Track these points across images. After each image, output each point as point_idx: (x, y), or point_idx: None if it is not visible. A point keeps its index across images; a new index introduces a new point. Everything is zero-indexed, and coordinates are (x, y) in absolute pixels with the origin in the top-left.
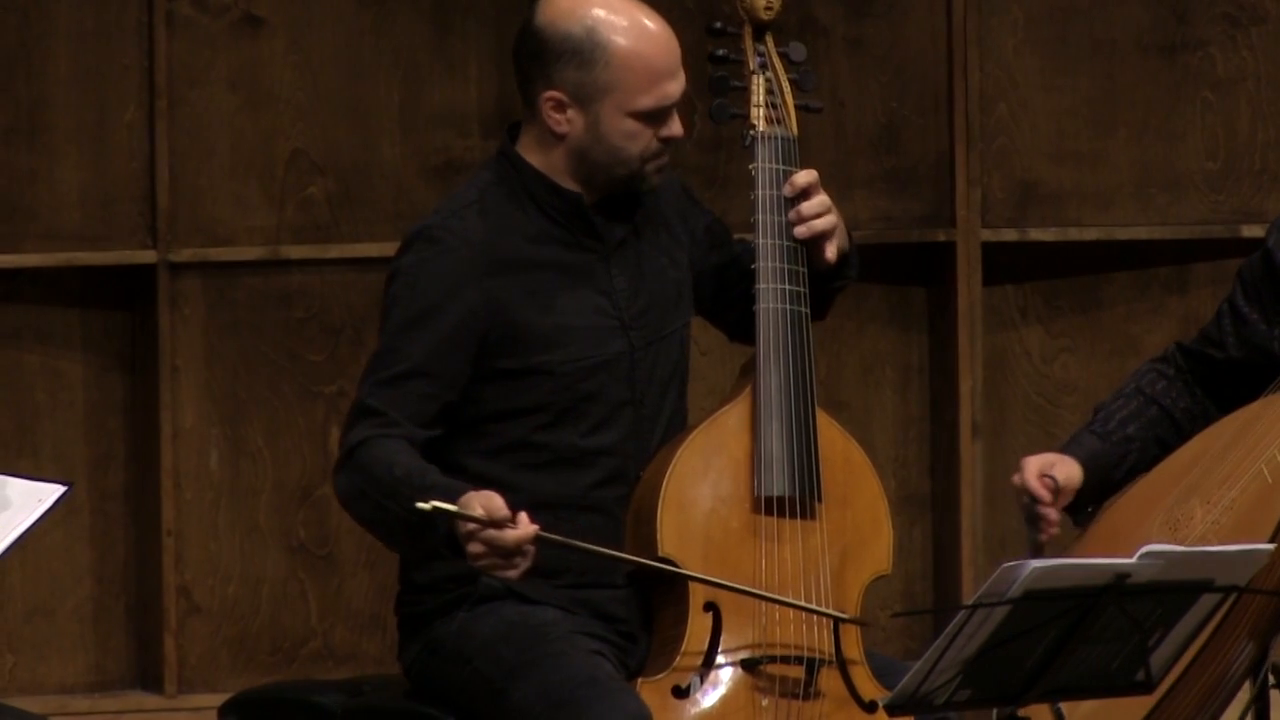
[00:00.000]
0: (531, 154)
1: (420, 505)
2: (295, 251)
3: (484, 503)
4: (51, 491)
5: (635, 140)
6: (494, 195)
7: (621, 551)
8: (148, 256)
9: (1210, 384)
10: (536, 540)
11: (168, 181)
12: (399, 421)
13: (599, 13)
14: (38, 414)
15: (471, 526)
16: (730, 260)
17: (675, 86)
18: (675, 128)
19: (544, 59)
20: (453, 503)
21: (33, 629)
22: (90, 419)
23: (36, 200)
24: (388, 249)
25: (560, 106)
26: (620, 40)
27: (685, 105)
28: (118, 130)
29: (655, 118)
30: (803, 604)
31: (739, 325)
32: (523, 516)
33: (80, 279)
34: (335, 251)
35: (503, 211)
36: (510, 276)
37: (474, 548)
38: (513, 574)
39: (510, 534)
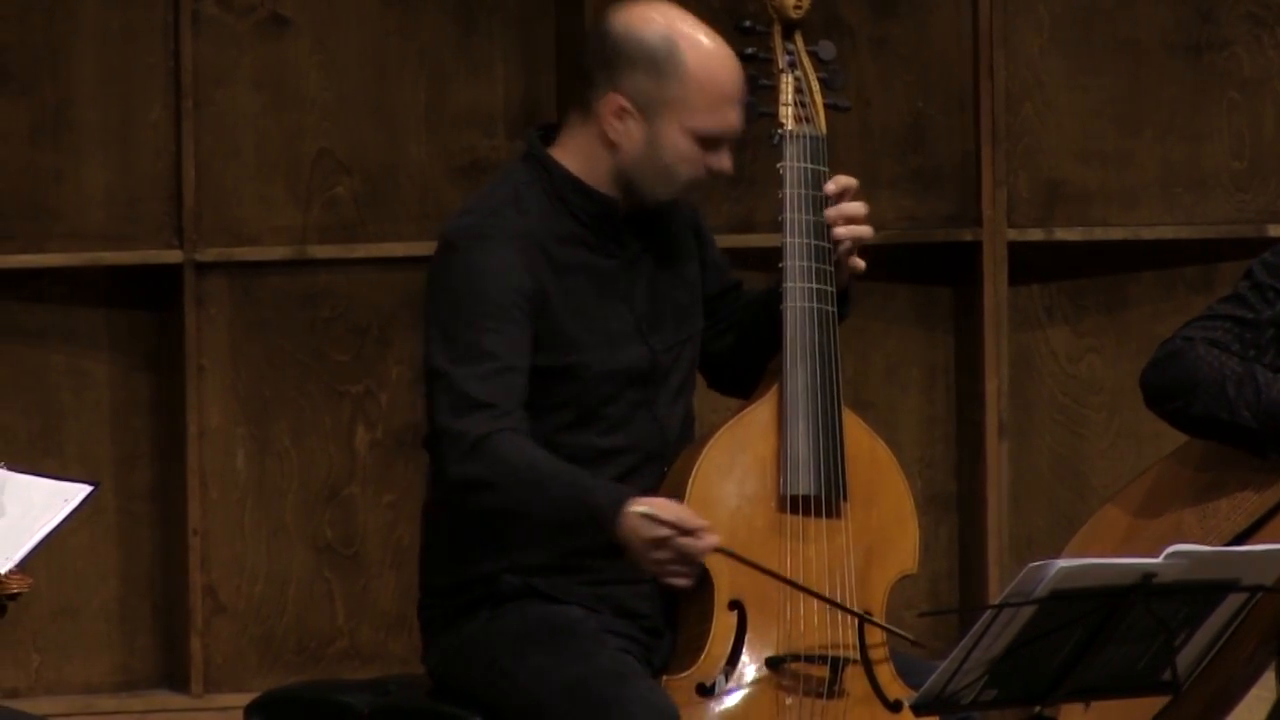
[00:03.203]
0: (569, 158)
1: (636, 509)
2: (321, 251)
3: (674, 508)
4: (77, 491)
5: (688, 164)
6: (528, 194)
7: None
8: (173, 256)
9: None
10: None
11: (193, 181)
12: (510, 410)
13: (679, 27)
14: (63, 414)
15: (665, 532)
16: (726, 291)
17: (737, 116)
18: (726, 161)
19: (616, 64)
20: (620, 502)
21: (59, 629)
22: (116, 419)
23: (62, 200)
24: (414, 248)
25: (621, 114)
26: (696, 58)
27: None
28: (143, 130)
29: (712, 143)
30: (898, 630)
31: (719, 367)
32: (708, 525)
33: (106, 278)
34: (361, 251)
35: (539, 211)
36: (549, 274)
37: (661, 553)
38: (685, 582)
39: (702, 543)
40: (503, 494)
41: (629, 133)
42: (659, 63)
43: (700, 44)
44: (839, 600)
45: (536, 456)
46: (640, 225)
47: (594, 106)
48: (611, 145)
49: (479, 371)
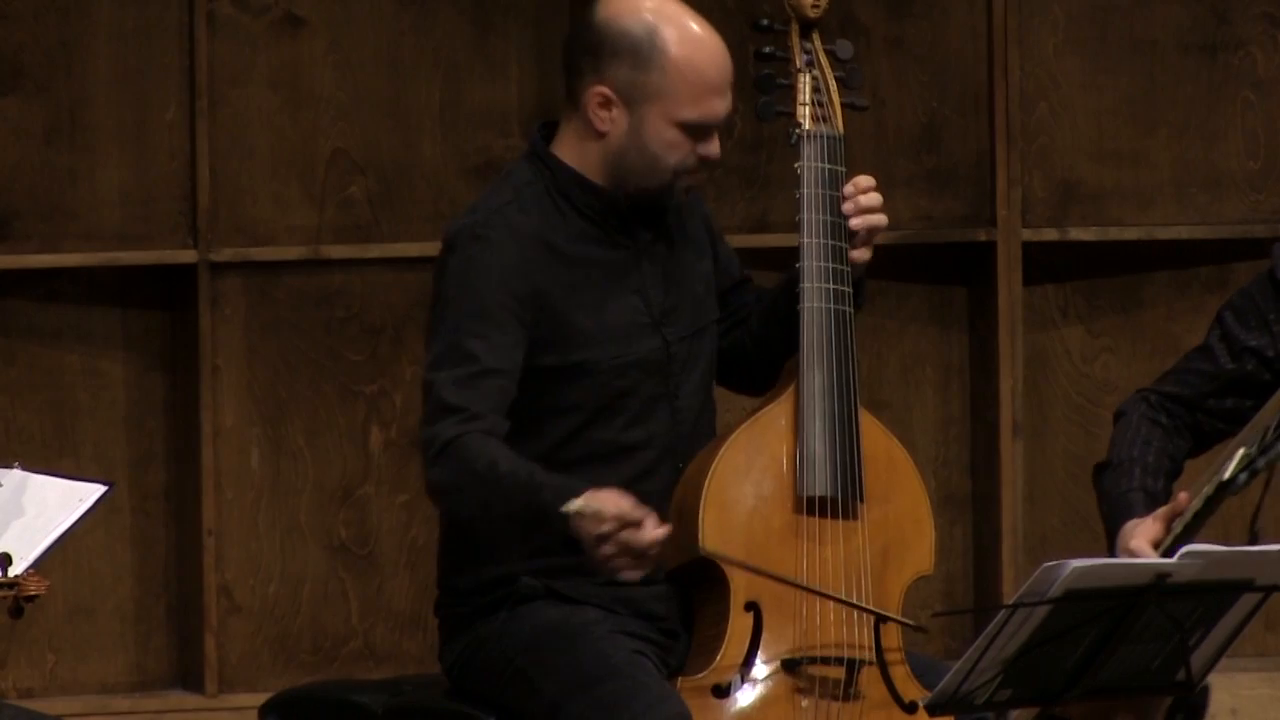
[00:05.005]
0: (567, 152)
1: (568, 508)
2: (336, 251)
3: (615, 502)
4: (92, 491)
5: (674, 151)
6: (530, 194)
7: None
8: (188, 256)
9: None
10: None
11: (208, 181)
12: (483, 414)
13: (664, 16)
14: (78, 414)
15: (608, 527)
16: (733, 286)
17: (723, 105)
18: (714, 148)
19: (599, 53)
20: (571, 499)
21: (74, 628)
22: (131, 418)
23: (77, 200)
24: (428, 249)
25: (606, 103)
26: (679, 48)
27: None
28: (158, 130)
29: (698, 132)
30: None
31: (725, 363)
32: (653, 517)
33: (121, 278)
34: (376, 251)
35: (541, 209)
36: (552, 272)
37: (607, 549)
38: (636, 575)
39: (646, 536)
40: (467, 497)
41: (614, 122)
42: (641, 53)
43: (684, 33)
44: (850, 599)
45: (497, 456)
46: (651, 215)
47: (580, 98)
48: (599, 135)
49: (456, 376)
